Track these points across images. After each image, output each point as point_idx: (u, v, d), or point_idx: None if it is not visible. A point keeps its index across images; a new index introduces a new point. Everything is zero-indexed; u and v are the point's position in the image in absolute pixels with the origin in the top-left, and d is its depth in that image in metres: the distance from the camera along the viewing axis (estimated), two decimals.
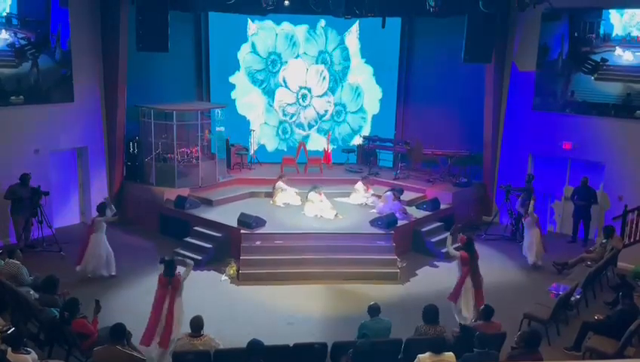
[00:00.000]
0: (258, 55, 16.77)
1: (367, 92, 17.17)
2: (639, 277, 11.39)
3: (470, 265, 9.42)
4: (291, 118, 17.17)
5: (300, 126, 17.28)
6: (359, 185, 14.29)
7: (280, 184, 14.01)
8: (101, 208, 11.28)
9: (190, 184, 14.25)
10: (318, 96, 17.18)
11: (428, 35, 16.17)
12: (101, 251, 11.13)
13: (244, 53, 16.70)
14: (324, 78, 17.05)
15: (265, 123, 17.05)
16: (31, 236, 12.53)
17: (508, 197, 14.10)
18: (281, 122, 17.20)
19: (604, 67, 13.38)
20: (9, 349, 6.65)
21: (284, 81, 16.97)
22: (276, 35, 16.64)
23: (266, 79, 16.90)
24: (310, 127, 17.31)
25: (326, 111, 17.27)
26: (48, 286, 8.77)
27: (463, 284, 9.39)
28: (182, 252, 11.89)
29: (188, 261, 9.07)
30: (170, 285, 8.24)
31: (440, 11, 12.35)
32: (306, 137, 17.24)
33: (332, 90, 17.11)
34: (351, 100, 17.28)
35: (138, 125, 14.64)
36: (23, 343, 6.91)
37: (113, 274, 11.31)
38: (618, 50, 13.17)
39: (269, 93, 16.98)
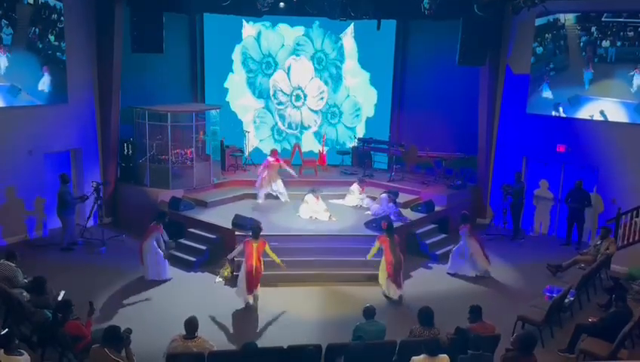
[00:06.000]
0: (259, 46, 16.74)
1: (362, 94, 17.19)
2: (634, 279, 11.44)
3: (390, 248, 10.73)
4: (279, 104, 17.15)
5: (282, 118, 17.27)
6: (355, 187, 14.29)
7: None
8: (160, 216, 11.55)
9: (184, 185, 14.21)
10: (309, 108, 17.22)
11: (423, 37, 16.25)
12: (151, 256, 11.20)
13: (246, 37, 16.64)
14: (322, 98, 17.10)
15: (260, 141, 17.15)
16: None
17: (506, 197, 14.14)
18: (272, 127, 17.22)
19: (599, 68, 13.41)
20: (1, 351, 6.61)
21: (289, 68, 16.94)
22: (282, 45, 16.66)
23: (256, 72, 16.86)
24: (290, 127, 17.32)
25: (309, 126, 17.31)
26: (37, 287, 8.72)
27: (391, 264, 10.65)
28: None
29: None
30: (256, 244, 10.21)
31: (435, 14, 12.38)
32: (300, 136, 17.27)
33: (329, 96, 17.15)
34: (349, 113, 17.35)
35: (132, 126, 14.60)
36: (16, 345, 6.86)
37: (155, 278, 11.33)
38: (612, 51, 13.19)
39: (252, 87, 16.88)
